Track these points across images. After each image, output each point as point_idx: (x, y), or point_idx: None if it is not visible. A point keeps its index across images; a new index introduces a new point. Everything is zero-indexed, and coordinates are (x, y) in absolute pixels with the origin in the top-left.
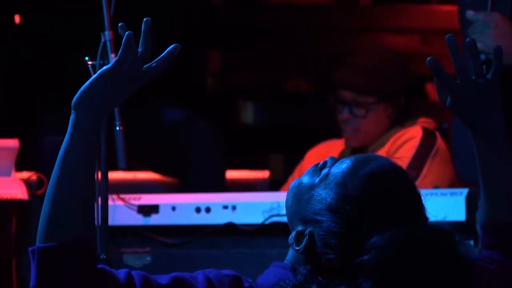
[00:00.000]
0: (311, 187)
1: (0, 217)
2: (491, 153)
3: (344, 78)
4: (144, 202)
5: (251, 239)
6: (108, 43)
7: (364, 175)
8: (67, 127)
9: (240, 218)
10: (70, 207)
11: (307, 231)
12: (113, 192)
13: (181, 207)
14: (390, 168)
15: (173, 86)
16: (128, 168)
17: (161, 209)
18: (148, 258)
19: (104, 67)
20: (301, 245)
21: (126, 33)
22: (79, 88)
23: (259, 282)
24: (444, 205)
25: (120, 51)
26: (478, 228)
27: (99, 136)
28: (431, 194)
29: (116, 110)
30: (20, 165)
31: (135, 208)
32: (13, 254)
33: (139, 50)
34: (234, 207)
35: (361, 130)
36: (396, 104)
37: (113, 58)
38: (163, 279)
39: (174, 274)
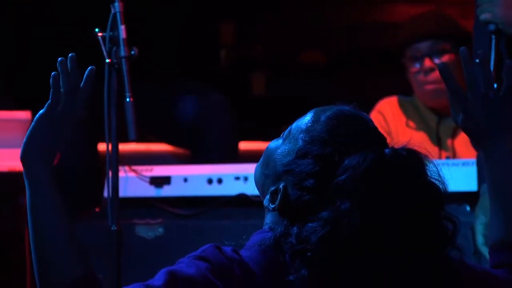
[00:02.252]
0: (277, 147)
1: (12, 189)
2: (501, 177)
3: (419, 29)
4: (156, 174)
5: (263, 210)
6: (118, 15)
7: (326, 118)
8: None
9: (252, 189)
10: (58, 256)
11: (280, 186)
12: (125, 164)
13: (193, 179)
14: (349, 109)
15: (186, 58)
16: (141, 139)
17: (173, 181)
18: (160, 229)
19: (39, 113)
20: (276, 201)
21: (52, 74)
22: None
23: (245, 246)
24: (456, 175)
25: (50, 94)
26: (486, 248)
27: (58, 177)
28: (443, 164)
29: (126, 81)
30: None
31: (147, 179)
32: (26, 226)
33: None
34: (246, 178)
35: None
36: None
37: (123, 30)
38: (158, 280)
39: (165, 269)
